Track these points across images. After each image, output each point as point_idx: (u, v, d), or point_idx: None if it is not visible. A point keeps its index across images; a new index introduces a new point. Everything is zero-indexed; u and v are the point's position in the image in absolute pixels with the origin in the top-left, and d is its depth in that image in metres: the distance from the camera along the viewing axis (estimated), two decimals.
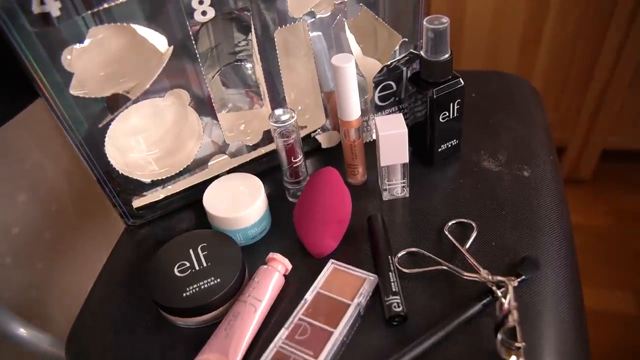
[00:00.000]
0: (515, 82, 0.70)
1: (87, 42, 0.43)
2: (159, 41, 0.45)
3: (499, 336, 0.39)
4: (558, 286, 0.46)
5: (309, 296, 0.46)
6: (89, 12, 0.41)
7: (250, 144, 0.57)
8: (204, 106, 0.52)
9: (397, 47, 0.58)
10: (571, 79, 1.19)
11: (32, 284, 0.78)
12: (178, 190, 0.56)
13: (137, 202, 0.55)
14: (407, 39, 0.57)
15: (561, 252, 0.48)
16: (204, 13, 0.45)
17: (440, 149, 0.57)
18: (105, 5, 0.41)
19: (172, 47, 0.45)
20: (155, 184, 0.54)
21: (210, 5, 0.45)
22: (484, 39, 1.18)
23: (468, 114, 0.63)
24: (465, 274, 0.46)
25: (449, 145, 0.57)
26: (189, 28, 0.45)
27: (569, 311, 0.44)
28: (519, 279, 0.44)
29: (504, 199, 0.53)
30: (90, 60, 0.45)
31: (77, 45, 0.42)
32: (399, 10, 0.56)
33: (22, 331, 0.48)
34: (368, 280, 0.47)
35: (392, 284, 0.45)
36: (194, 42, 0.47)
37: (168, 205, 0.57)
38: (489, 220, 0.51)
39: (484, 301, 0.43)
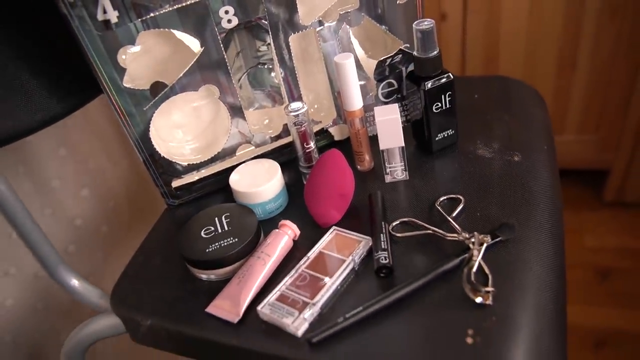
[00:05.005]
0: (518, 86, 0.76)
1: (138, 47, 0.54)
2: (193, 43, 0.56)
3: (465, 278, 0.45)
4: (538, 250, 0.51)
5: (311, 254, 0.54)
6: (139, 19, 0.52)
7: (273, 136, 0.67)
8: (232, 101, 0.62)
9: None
10: (611, 99, 1.19)
11: (91, 272, 0.89)
12: (210, 174, 0.66)
13: (176, 183, 0.65)
14: (408, 45, 0.66)
15: (545, 223, 0.53)
16: (229, 21, 0.56)
17: (437, 138, 0.64)
18: (152, 15, 0.53)
19: (203, 47, 0.56)
20: (191, 167, 0.64)
21: (234, 14, 0.56)
22: (519, 65, 1.22)
23: (468, 112, 0.70)
24: (448, 235, 0.52)
25: (446, 135, 0.64)
26: (217, 33, 0.56)
27: (547, 273, 0.49)
28: (494, 239, 0.50)
29: (493, 179, 0.59)
30: (140, 61, 0.57)
31: (130, 48, 0.54)
32: (400, 19, 0.64)
33: (74, 282, 0.59)
34: (364, 242, 0.54)
35: (382, 242, 0.52)
36: (222, 45, 0.57)
37: (202, 188, 0.67)
38: (477, 195, 0.57)
39: (462, 257, 0.49)
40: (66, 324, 0.82)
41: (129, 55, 0.55)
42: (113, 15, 0.51)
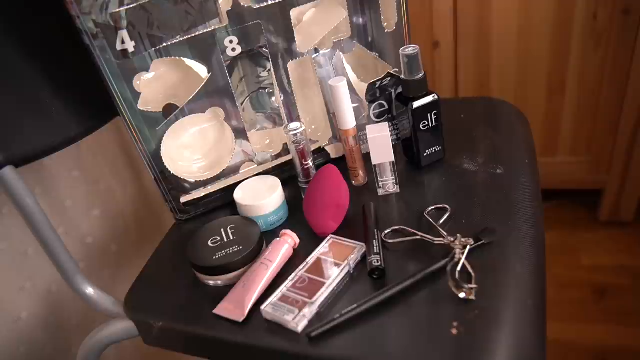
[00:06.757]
0: (501, 106, 0.82)
1: (151, 73, 0.60)
2: (201, 70, 0.62)
3: (449, 275, 0.50)
4: (519, 253, 0.55)
5: (310, 259, 0.58)
6: (153, 49, 0.58)
7: (273, 155, 0.72)
8: (236, 123, 0.68)
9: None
10: (600, 121, 1.22)
11: (101, 287, 0.93)
12: (216, 190, 0.71)
13: (184, 199, 0.70)
14: (397, 69, 0.72)
15: (526, 228, 0.58)
16: (233, 50, 0.62)
17: (425, 154, 0.69)
18: (164, 44, 0.59)
19: (210, 74, 0.62)
20: (198, 184, 0.70)
21: (238, 43, 0.62)
22: (510, 91, 1.25)
23: (455, 130, 0.76)
24: (436, 240, 0.56)
25: (433, 151, 0.69)
26: (223, 61, 0.62)
27: (528, 273, 0.53)
28: (477, 242, 0.55)
29: (478, 189, 0.64)
30: (153, 86, 0.62)
31: (145, 74, 0.60)
32: (388, 46, 0.71)
33: (90, 290, 0.63)
34: (358, 248, 0.59)
35: (375, 247, 0.57)
36: (227, 71, 0.63)
37: (208, 203, 0.72)
38: (462, 204, 0.62)
39: (447, 259, 0.54)
40: (75, 339, 0.86)
41: (143, 81, 0.61)
42: (130, 45, 0.57)
